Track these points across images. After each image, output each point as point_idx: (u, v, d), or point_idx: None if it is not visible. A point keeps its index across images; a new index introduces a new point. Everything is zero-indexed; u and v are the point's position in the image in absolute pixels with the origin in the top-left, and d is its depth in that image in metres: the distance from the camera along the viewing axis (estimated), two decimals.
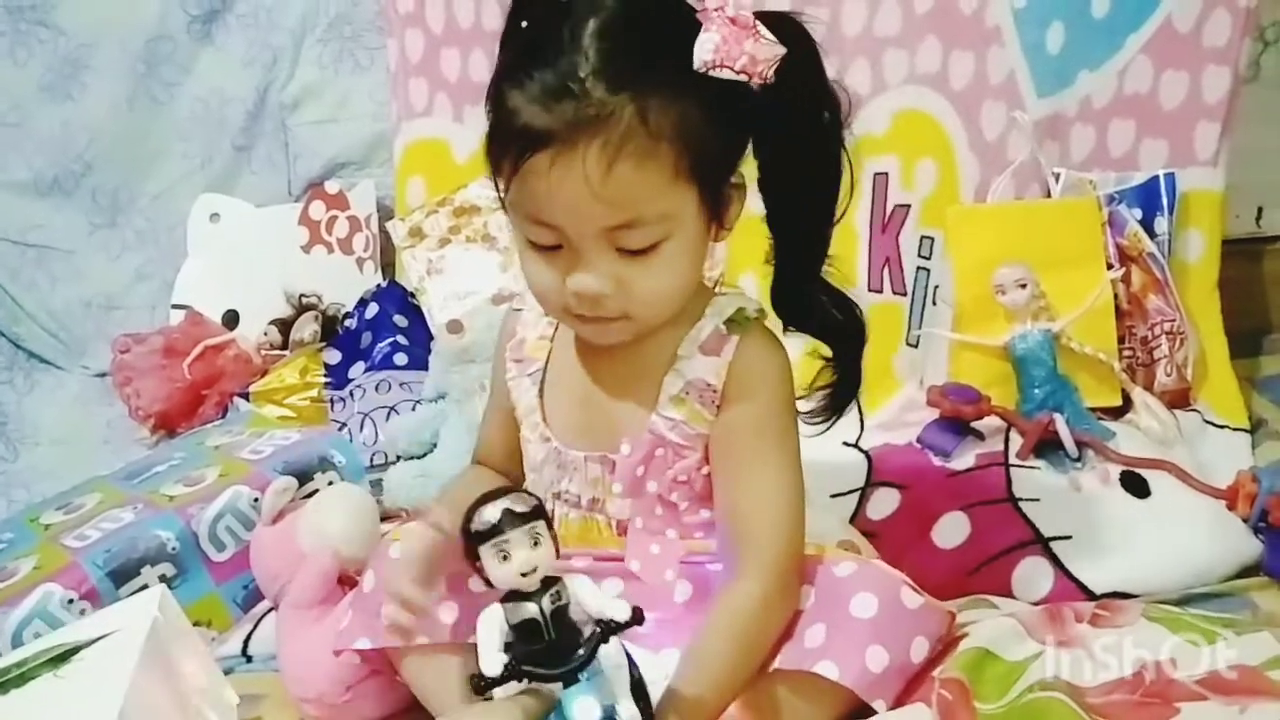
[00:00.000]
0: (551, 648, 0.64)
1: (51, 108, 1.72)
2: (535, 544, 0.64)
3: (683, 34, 0.69)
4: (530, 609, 0.64)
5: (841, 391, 0.83)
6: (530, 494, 0.67)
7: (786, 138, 0.74)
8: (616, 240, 0.70)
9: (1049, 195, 1.29)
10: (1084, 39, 1.28)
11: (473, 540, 0.65)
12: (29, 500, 1.40)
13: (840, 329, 0.81)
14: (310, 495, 1.08)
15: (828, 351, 0.82)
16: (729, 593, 0.75)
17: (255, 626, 1.07)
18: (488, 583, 0.65)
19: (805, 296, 0.80)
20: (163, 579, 1.05)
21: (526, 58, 0.69)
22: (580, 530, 0.83)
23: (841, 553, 0.81)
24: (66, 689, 0.71)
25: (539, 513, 0.65)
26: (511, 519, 0.64)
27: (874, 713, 0.73)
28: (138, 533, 1.06)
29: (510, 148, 0.69)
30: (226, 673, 1.02)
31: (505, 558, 0.64)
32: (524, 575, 0.64)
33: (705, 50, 0.69)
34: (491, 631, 0.65)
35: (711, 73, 0.69)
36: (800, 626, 0.74)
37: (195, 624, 1.05)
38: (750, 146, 0.75)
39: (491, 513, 0.64)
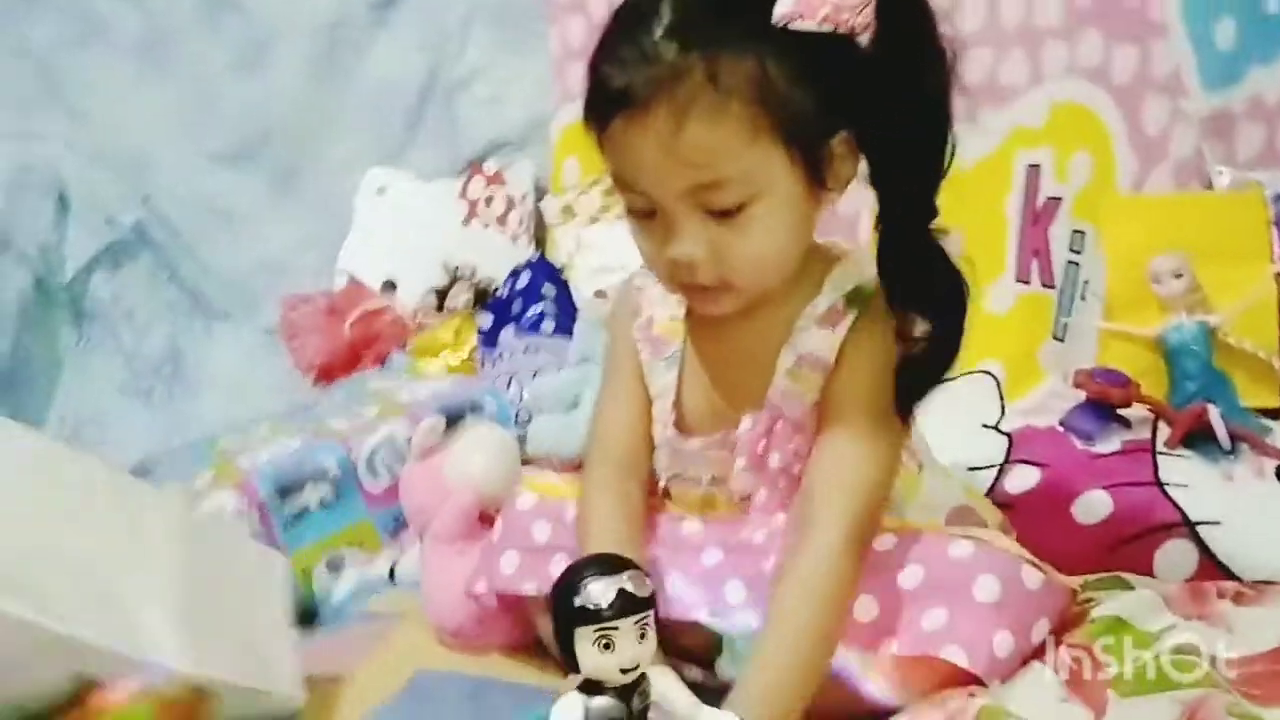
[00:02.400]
0: None
1: (239, 85, 1.87)
2: (642, 637, 0.57)
3: None
4: (616, 709, 0.57)
5: (937, 360, 0.76)
6: (644, 573, 0.58)
7: (887, 91, 0.69)
8: (702, 201, 0.69)
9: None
10: (1256, 33, 1.26)
11: (571, 616, 0.56)
12: (203, 436, 1.51)
13: (946, 303, 0.74)
14: (458, 436, 1.14)
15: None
16: (796, 549, 0.72)
17: (402, 553, 1.13)
18: (571, 666, 0.57)
19: (911, 262, 0.74)
20: (322, 502, 1.12)
21: (616, 25, 0.72)
22: (700, 502, 0.83)
23: (953, 532, 0.77)
24: None
25: (652, 600, 0.57)
26: (625, 605, 0.56)
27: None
28: (303, 457, 1.14)
29: (594, 113, 0.71)
30: (372, 592, 1.10)
31: (608, 647, 0.56)
32: (623, 671, 0.57)
33: (785, 3, 0.67)
34: None
35: (792, 25, 0.67)
36: (916, 609, 0.72)
37: (348, 545, 1.14)
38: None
39: (604, 593, 0.56)
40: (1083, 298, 1.30)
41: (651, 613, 0.57)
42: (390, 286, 1.76)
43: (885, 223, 0.74)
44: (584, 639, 0.56)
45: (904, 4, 0.69)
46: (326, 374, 1.62)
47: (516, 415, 1.35)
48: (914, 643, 0.71)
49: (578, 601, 0.56)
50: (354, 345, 1.64)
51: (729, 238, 0.70)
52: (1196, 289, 1.17)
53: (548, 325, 1.50)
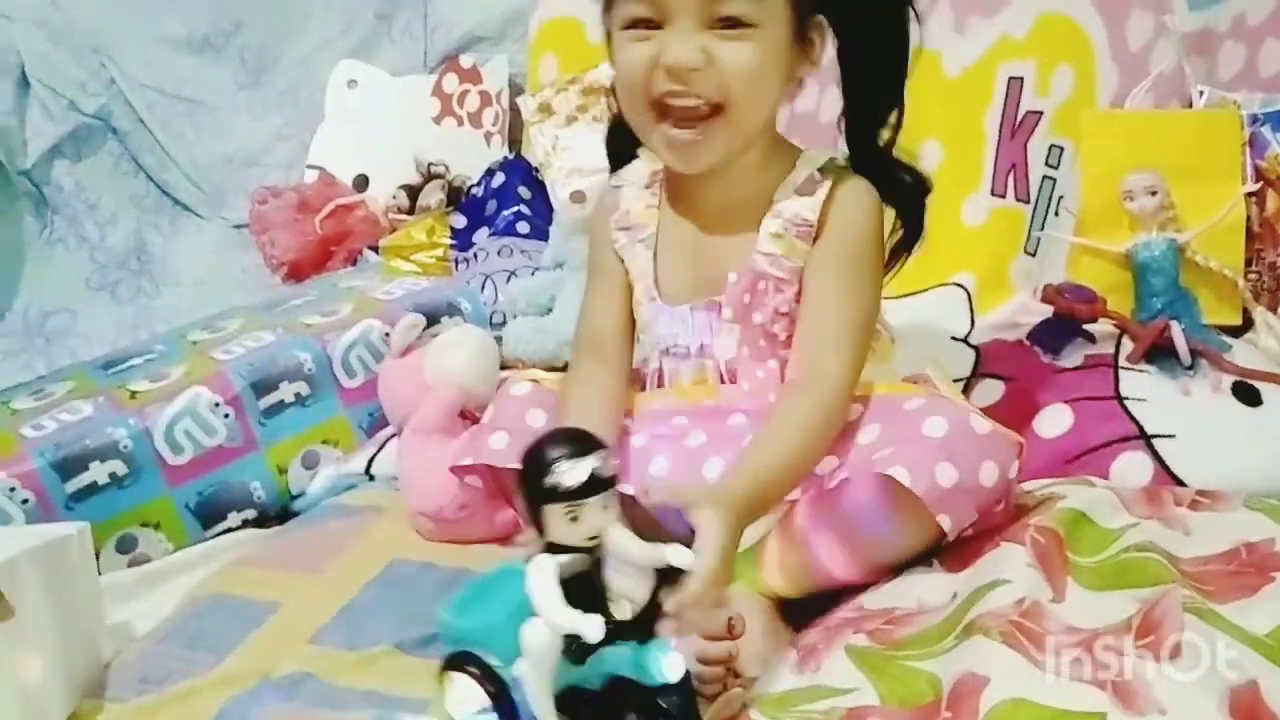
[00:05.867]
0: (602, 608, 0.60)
1: None
2: (605, 508, 0.60)
3: None
4: (583, 562, 0.61)
5: (904, 241, 0.89)
6: (609, 450, 0.62)
7: (858, 9, 0.81)
8: (712, 10, 0.76)
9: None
10: None
11: (541, 495, 0.59)
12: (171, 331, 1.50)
13: (907, 191, 0.88)
14: (436, 335, 1.14)
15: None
16: (786, 404, 0.79)
17: (379, 450, 1.14)
18: (538, 531, 0.61)
19: (876, 164, 0.86)
20: (298, 396, 1.13)
21: None
22: (691, 381, 0.88)
23: (911, 388, 0.85)
24: None
25: (616, 479, 0.61)
26: (594, 485, 0.59)
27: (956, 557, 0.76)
28: (278, 351, 1.14)
29: None
30: (348, 488, 1.11)
31: (575, 520, 0.59)
32: (589, 539, 0.60)
33: None
34: (550, 586, 0.59)
35: None
36: (868, 453, 0.77)
37: (323, 443, 1.14)
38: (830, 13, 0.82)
39: (574, 475, 0.59)
40: (1056, 213, 1.31)
41: (615, 488, 0.61)
42: (362, 182, 1.73)
43: (853, 129, 0.86)
44: (554, 514, 0.60)
45: None
46: (296, 270, 1.60)
47: (491, 317, 1.35)
48: (862, 466, 0.77)
49: (548, 482, 0.59)
50: (325, 241, 1.62)
51: (725, 49, 0.77)
52: (1169, 207, 1.18)
53: (523, 227, 1.49)
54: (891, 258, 0.90)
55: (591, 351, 0.91)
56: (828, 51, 0.85)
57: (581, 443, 0.60)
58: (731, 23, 0.77)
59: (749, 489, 0.72)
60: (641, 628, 0.62)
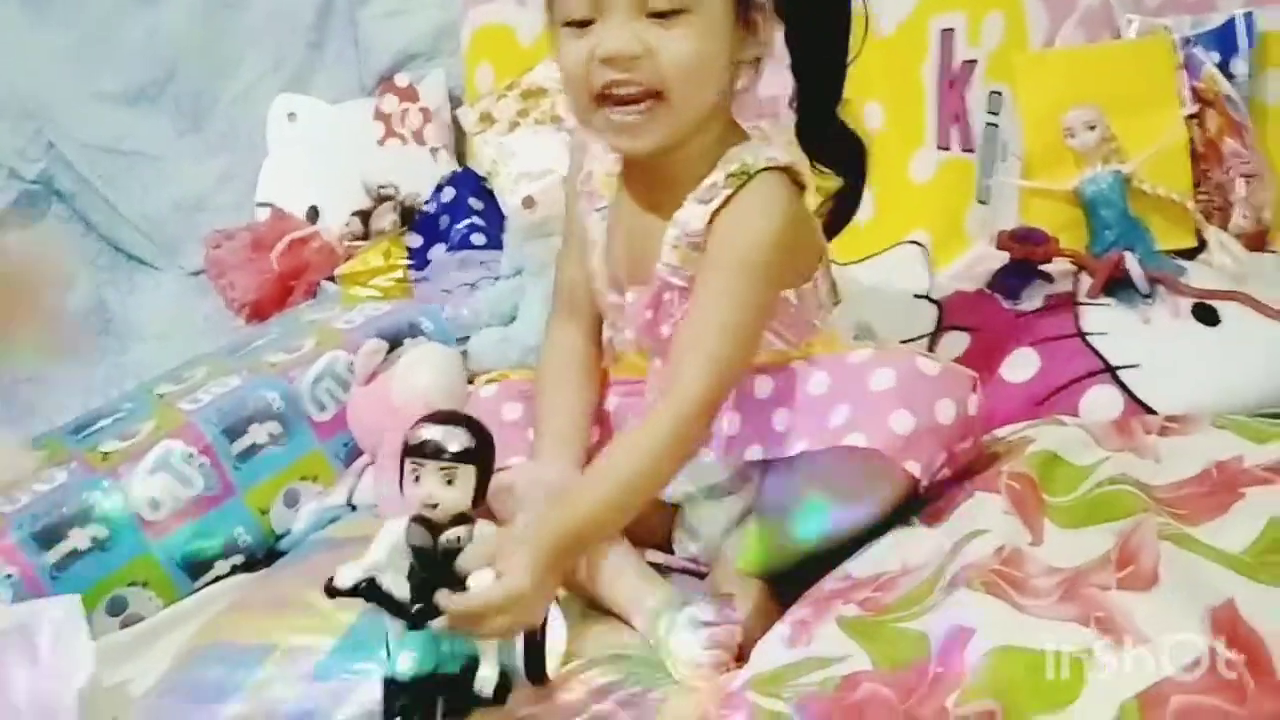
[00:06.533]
0: (421, 584, 0.67)
1: (133, 21, 1.78)
2: (449, 483, 0.66)
3: None
4: (422, 536, 0.67)
5: (842, 212, 0.90)
6: (478, 432, 0.68)
7: None
8: (646, 2, 0.76)
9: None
10: None
11: (403, 448, 0.68)
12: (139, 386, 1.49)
13: (850, 162, 0.88)
14: (400, 358, 1.14)
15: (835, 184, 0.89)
16: (641, 424, 0.78)
17: (358, 479, 1.14)
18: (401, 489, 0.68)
19: (824, 132, 0.86)
20: (271, 436, 1.12)
21: None
22: (635, 357, 0.91)
23: (855, 345, 0.86)
24: None
25: (469, 456, 0.67)
26: (434, 451, 0.66)
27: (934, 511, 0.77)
28: (245, 394, 1.14)
29: None
30: (332, 520, 1.11)
31: (416, 480, 0.67)
32: (427, 506, 0.67)
33: None
34: (381, 544, 0.68)
35: None
36: (822, 410, 0.79)
37: (302, 479, 1.14)
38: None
39: (424, 434, 0.67)
40: (1003, 159, 1.31)
41: (469, 466, 0.67)
42: (314, 213, 1.72)
43: (803, 99, 0.86)
44: (405, 469, 0.68)
45: None
46: (258, 310, 1.59)
47: (455, 332, 1.35)
48: (823, 437, 0.78)
49: (407, 437, 0.68)
50: (283, 277, 1.60)
51: (665, 38, 0.77)
52: (1110, 139, 1.19)
53: (477, 238, 1.48)
54: (834, 223, 0.90)
55: (567, 309, 0.94)
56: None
57: (452, 420, 0.68)
58: (665, 12, 0.77)
59: (573, 525, 0.72)
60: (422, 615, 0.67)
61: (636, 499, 0.76)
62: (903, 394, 0.76)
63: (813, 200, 0.89)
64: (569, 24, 0.79)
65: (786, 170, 0.83)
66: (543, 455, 0.87)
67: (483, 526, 0.69)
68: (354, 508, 1.12)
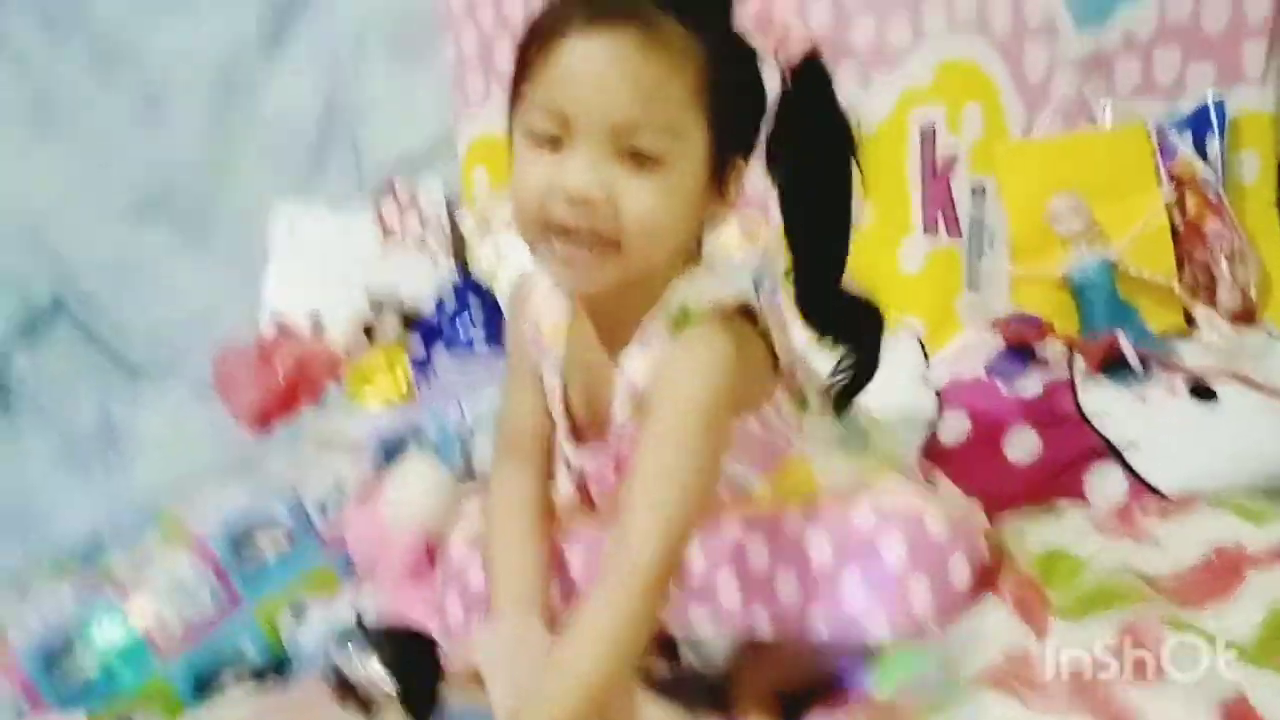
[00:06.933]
0: None
1: (136, 138, 1.84)
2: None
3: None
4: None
5: (855, 383, 0.83)
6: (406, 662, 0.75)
7: (800, 152, 0.76)
8: (621, 139, 0.70)
9: None
10: None
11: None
12: (146, 500, 1.50)
13: (861, 332, 0.82)
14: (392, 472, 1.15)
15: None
16: (597, 592, 0.73)
17: (363, 596, 1.14)
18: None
19: (828, 304, 0.80)
20: (278, 551, 1.12)
21: None
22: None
23: (854, 497, 0.79)
24: None
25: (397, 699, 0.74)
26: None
27: None
28: (252, 509, 1.14)
29: (554, 27, 0.71)
30: (339, 633, 1.10)
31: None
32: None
33: (747, 12, 0.73)
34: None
35: (746, 30, 0.74)
36: (832, 583, 0.76)
37: (309, 591, 1.14)
38: (768, 165, 0.78)
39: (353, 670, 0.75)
40: (990, 245, 1.34)
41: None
42: (318, 321, 1.75)
43: (801, 272, 0.79)
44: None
45: (817, 75, 0.75)
46: (264, 420, 1.60)
47: (460, 435, 1.36)
48: (842, 628, 0.75)
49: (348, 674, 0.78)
50: (288, 386, 1.62)
51: (630, 188, 0.71)
52: (1094, 225, 1.22)
53: (479, 340, 1.50)
54: (845, 395, 0.83)
55: (515, 452, 0.87)
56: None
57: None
58: (640, 157, 0.71)
59: (579, 690, 0.69)
60: None
61: (608, 680, 0.70)
62: (916, 562, 0.74)
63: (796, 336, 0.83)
64: (534, 138, 0.72)
65: (734, 305, 0.76)
66: (504, 614, 0.81)
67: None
68: (360, 618, 1.12)
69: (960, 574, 0.76)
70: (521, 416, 0.88)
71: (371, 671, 0.70)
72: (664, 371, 0.75)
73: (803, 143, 0.76)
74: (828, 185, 0.77)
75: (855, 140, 0.77)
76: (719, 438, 0.75)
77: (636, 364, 0.77)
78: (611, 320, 0.79)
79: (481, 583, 0.86)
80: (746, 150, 0.77)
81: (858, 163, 0.77)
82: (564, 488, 0.87)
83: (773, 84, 0.76)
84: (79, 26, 1.82)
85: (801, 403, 0.83)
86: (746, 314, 0.77)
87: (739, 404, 0.78)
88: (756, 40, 0.74)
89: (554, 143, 0.71)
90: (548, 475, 0.87)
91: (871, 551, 0.75)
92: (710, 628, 0.79)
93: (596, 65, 0.70)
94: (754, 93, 0.76)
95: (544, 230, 0.73)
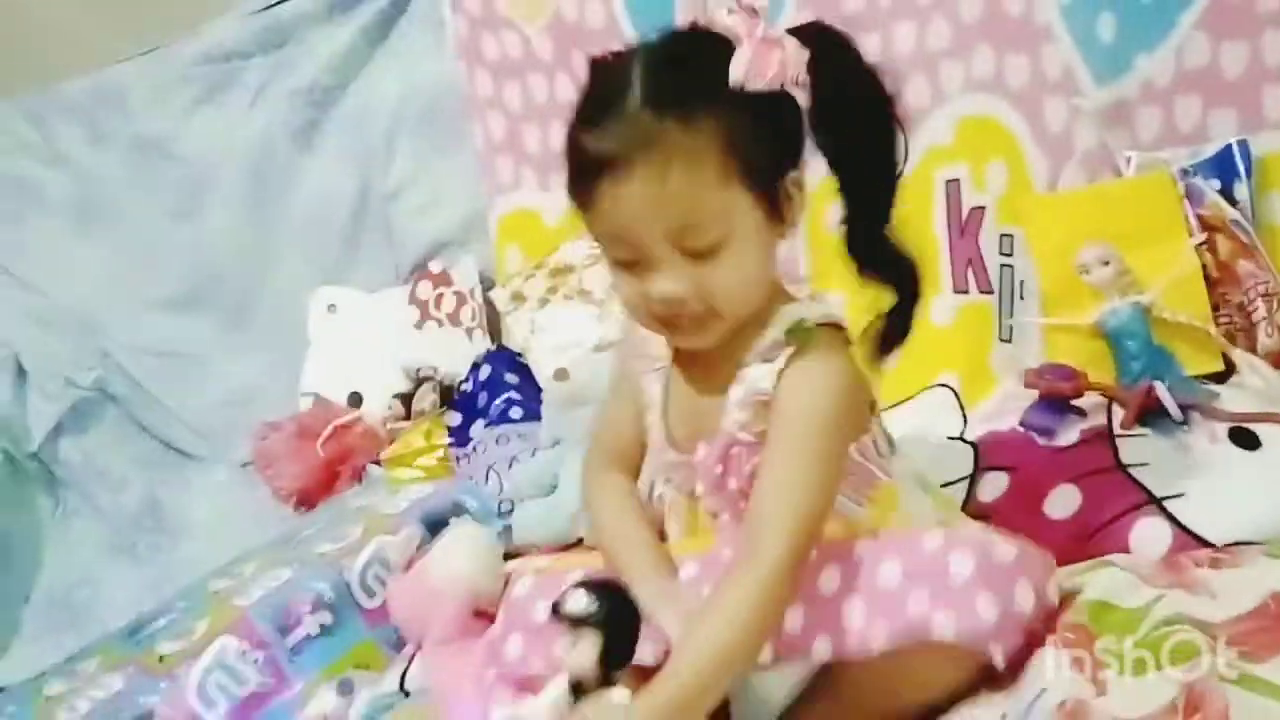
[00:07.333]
0: None
1: (177, 231, 1.90)
2: (573, 644, 0.73)
3: (719, 60, 0.78)
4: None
5: (894, 332, 0.87)
6: (608, 593, 0.76)
7: (840, 121, 0.81)
8: (682, 242, 0.78)
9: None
10: (1135, 23, 1.31)
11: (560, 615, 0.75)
12: (193, 582, 1.51)
13: (905, 275, 0.86)
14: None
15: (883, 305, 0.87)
16: (728, 581, 0.78)
17: (409, 664, 1.14)
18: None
19: (876, 244, 0.85)
20: (322, 627, 1.13)
21: (590, 104, 0.81)
22: (686, 516, 0.91)
23: (922, 530, 0.83)
24: None
25: (588, 620, 0.74)
26: (557, 614, 0.75)
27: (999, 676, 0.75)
28: (296, 587, 1.15)
29: (584, 176, 0.79)
30: (387, 708, 1.11)
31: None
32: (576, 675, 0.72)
33: (738, 70, 0.78)
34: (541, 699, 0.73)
35: (747, 88, 0.78)
36: (899, 600, 0.77)
37: (355, 667, 1.15)
38: (812, 131, 0.82)
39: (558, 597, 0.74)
40: (1021, 297, 1.34)
41: (585, 630, 0.74)
42: (356, 399, 1.77)
43: (851, 216, 0.84)
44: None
45: (834, 50, 0.81)
46: (306, 498, 1.62)
47: (499, 507, 1.37)
48: (905, 630, 0.76)
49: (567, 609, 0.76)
50: (329, 464, 1.64)
51: (708, 272, 0.79)
52: (1125, 272, 1.21)
53: (515, 412, 1.52)
54: (885, 343, 0.87)
55: (615, 460, 0.95)
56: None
57: (589, 584, 0.76)
58: (704, 251, 0.78)
59: (678, 697, 0.73)
60: None
61: (734, 667, 0.76)
62: (984, 579, 0.75)
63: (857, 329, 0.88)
64: (614, 260, 0.82)
65: (838, 327, 0.85)
66: (648, 579, 0.85)
67: (613, 694, 0.71)
68: (407, 694, 1.12)
69: (1025, 598, 0.76)
70: (624, 428, 0.95)
71: (583, 602, 0.73)
72: (790, 377, 0.82)
73: (838, 108, 0.80)
74: (869, 140, 0.82)
75: (887, 92, 0.82)
76: (842, 440, 0.83)
77: (759, 372, 0.83)
78: (721, 349, 0.85)
79: (544, 615, 0.87)
80: (794, 159, 0.83)
81: (893, 112, 0.82)
82: (658, 490, 0.92)
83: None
84: (120, 129, 1.89)
85: (890, 443, 0.90)
86: (845, 339, 0.85)
87: (851, 422, 0.84)
88: (760, 86, 0.78)
89: (631, 264, 0.81)
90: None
91: (941, 569, 0.76)
92: (767, 654, 0.80)
93: (632, 205, 0.77)
94: (777, 118, 0.80)
95: (653, 324, 0.84)
